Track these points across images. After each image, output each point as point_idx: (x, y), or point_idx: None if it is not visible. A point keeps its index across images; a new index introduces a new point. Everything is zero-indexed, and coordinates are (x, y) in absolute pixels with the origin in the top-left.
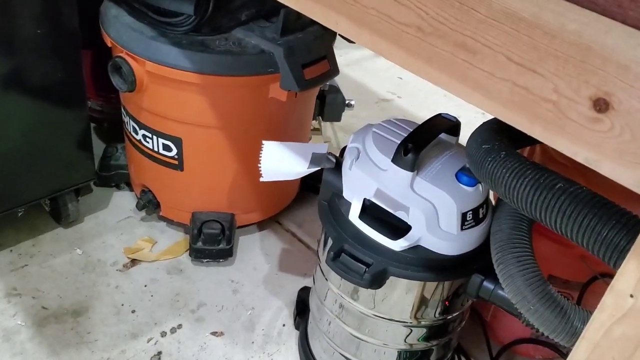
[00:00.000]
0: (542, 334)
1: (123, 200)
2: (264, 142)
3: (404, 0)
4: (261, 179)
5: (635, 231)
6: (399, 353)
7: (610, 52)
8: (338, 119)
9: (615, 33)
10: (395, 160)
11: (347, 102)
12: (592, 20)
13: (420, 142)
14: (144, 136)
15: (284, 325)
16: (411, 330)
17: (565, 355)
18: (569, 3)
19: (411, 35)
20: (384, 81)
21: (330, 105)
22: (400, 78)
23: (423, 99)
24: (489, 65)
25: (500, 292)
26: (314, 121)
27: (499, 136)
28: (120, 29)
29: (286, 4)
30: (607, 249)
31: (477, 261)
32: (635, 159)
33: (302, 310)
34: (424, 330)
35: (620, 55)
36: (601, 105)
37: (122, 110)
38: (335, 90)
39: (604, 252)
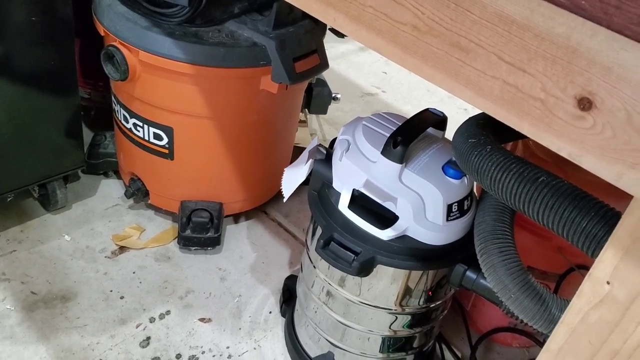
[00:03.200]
0: (521, 322)
1: (111, 188)
2: (285, 169)
3: None
4: (284, 200)
5: (611, 222)
6: (383, 339)
7: (595, 54)
8: (324, 111)
9: (600, 37)
10: (384, 152)
11: (333, 95)
12: (579, 24)
13: (408, 136)
14: (135, 125)
15: (270, 312)
16: (396, 318)
17: (542, 343)
18: (558, 8)
19: (407, 34)
20: (368, 75)
21: (317, 98)
22: (385, 73)
23: (406, 93)
24: (481, 64)
25: (482, 281)
26: (300, 113)
27: (485, 131)
28: (114, 18)
29: None
30: (585, 239)
31: (461, 251)
32: (615, 154)
33: (288, 298)
34: (408, 317)
35: (604, 58)
36: (585, 104)
37: (113, 98)
38: (322, 83)
39: (583, 242)
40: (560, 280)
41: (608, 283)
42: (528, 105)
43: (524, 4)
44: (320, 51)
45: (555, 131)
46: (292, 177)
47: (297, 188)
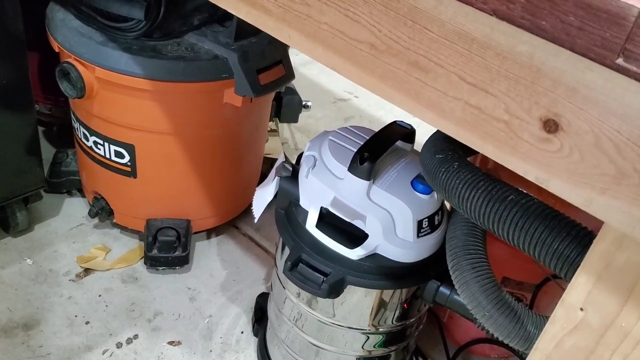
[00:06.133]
0: (497, 338)
1: (75, 207)
2: (256, 189)
3: (357, 17)
4: (255, 221)
5: (584, 243)
6: (357, 359)
7: (560, 74)
8: (295, 120)
9: (564, 56)
10: (351, 169)
11: (303, 103)
12: (542, 43)
13: (376, 151)
14: (95, 143)
15: (242, 332)
16: (368, 337)
17: (519, 354)
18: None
19: (365, 52)
20: (340, 80)
21: (287, 106)
22: None
23: (379, 98)
24: (442, 84)
25: (456, 297)
26: (271, 122)
27: (453, 145)
28: (68, 34)
29: (238, 15)
30: (557, 260)
31: (433, 267)
32: (583, 179)
33: (260, 317)
34: (382, 336)
35: (569, 78)
36: (551, 126)
37: (72, 116)
38: (292, 91)
39: (555, 263)
40: (536, 290)
41: (582, 309)
42: (492, 127)
43: (483, 21)
44: (285, 62)
45: (520, 154)
46: (261, 197)
47: (269, 202)
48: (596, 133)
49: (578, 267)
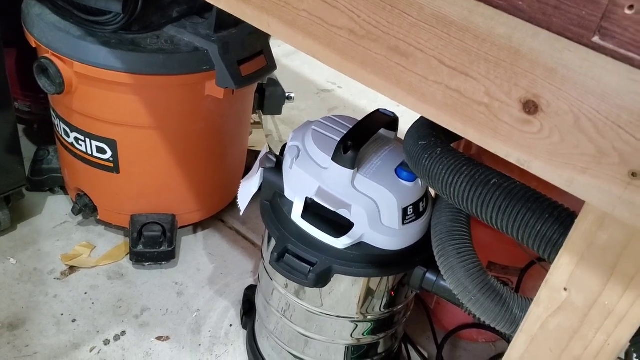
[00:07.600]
0: (484, 322)
1: (58, 205)
2: (241, 181)
3: (335, 2)
4: (241, 213)
5: (566, 224)
6: (347, 348)
7: (538, 55)
8: (278, 112)
9: (542, 36)
10: (335, 158)
11: (287, 94)
12: (520, 24)
13: (359, 139)
14: (76, 139)
15: (231, 325)
16: (357, 325)
17: (506, 337)
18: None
19: (344, 38)
20: (323, 71)
21: (270, 98)
22: None
23: (363, 88)
24: (422, 69)
25: (442, 283)
26: (254, 115)
27: (435, 132)
28: (45, 29)
29: (216, 5)
30: (541, 242)
31: (419, 254)
32: (564, 159)
33: (248, 309)
34: (371, 324)
35: (548, 59)
36: (531, 107)
37: (52, 112)
38: (275, 83)
39: (539, 245)
40: (522, 274)
41: (565, 289)
42: (472, 111)
43: (462, 4)
44: (266, 52)
45: (501, 136)
46: (246, 189)
47: (254, 193)
48: (575, 113)
49: (561, 248)
